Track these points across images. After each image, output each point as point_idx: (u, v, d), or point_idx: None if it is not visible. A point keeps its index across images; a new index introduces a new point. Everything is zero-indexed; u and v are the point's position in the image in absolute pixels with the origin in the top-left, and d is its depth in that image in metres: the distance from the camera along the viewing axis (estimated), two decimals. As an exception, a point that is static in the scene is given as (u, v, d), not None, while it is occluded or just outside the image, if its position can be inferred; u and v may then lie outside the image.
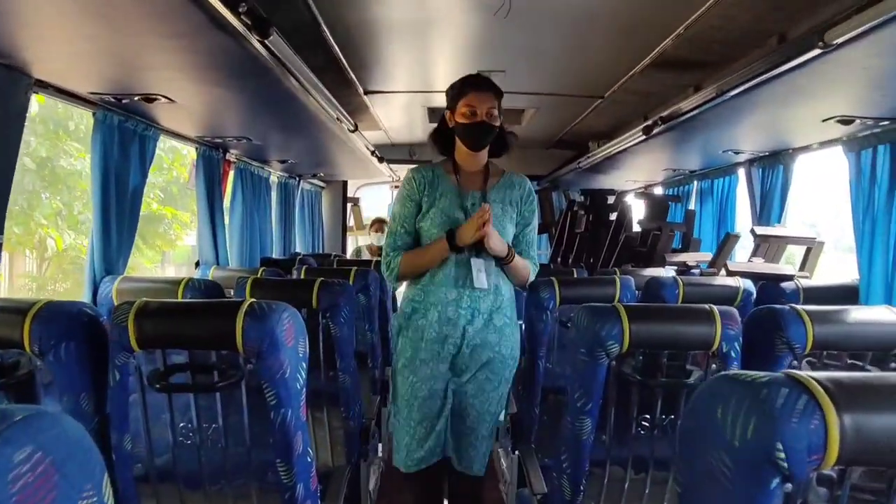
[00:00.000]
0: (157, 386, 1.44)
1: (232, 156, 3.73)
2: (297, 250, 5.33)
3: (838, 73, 2.01)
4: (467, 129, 1.97)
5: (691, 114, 2.71)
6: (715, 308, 1.60)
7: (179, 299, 2.29)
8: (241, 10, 1.53)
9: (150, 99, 2.25)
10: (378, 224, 5.71)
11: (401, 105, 4.26)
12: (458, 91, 2.00)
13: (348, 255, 6.35)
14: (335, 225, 6.62)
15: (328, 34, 2.63)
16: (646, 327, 1.59)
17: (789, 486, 0.77)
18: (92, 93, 2.22)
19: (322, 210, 6.36)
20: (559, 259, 5.48)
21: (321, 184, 6.21)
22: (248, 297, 1.74)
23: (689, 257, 3.70)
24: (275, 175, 4.74)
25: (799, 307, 1.65)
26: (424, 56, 3.17)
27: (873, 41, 1.66)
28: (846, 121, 2.47)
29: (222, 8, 1.47)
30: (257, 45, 1.83)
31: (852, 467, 0.81)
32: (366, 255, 5.69)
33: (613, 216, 4.72)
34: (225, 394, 1.52)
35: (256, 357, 1.43)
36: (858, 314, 1.68)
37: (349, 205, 6.88)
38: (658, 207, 4.18)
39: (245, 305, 1.43)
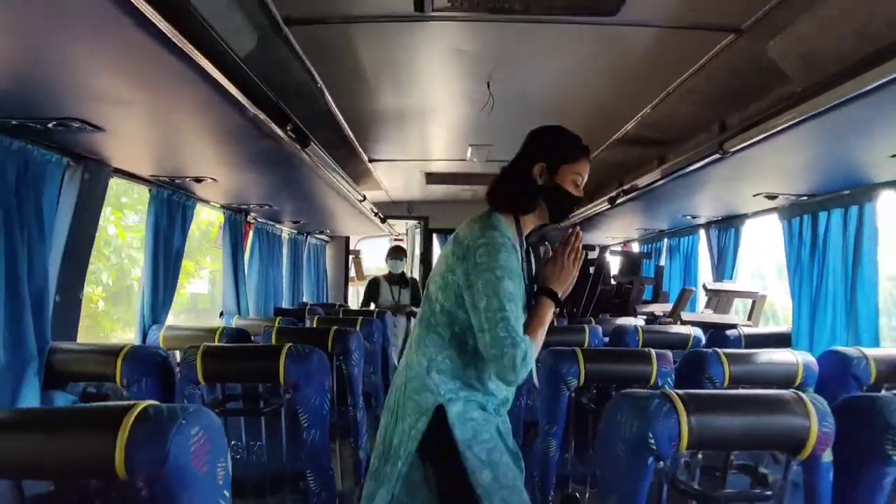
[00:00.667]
0: (217, 411, 1.88)
1: (252, 218, 4.21)
2: (305, 300, 5.77)
3: (748, 166, 2.52)
4: (572, 199, 1.73)
5: (648, 188, 3.21)
6: (653, 351, 2.05)
7: (216, 343, 2.69)
8: (288, 127, 2.03)
9: (199, 180, 2.74)
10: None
11: (400, 170, 4.76)
12: (570, 154, 1.73)
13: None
14: (338, 276, 7.09)
15: (340, 119, 3.11)
16: (598, 366, 2.04)
17: (661, 463, 1.22)
18: (153, 175, 2.71)
19: (326, 262, 6.83)
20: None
21: (326, 238, 6.70)
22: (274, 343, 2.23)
23: (656, 308, 4.17)
24: (286, 232, 5.22)
25: (720, 350, 2.09)
26: (422, 133, 3.66)
27: (767, 149, 2.16)
28: (772, 196, 2.98)
29: (275, 126, 1.97)
30: (297, 150, 2.35)
31: (699, 451, 1.27)
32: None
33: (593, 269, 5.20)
34: (268, 418, 1.96)
35: (294, 389, 1.88)
36: (766, 356, 2.14)
37: (351, 257, 7.35)
38: (631, 264, 4.67)
39: (285, 349, 1.88)
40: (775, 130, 2.02)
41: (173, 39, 1.27)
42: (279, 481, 2.00)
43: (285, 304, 5.09)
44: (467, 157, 4.04)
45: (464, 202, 6.02)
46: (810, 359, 2.13)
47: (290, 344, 1.91)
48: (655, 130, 3.20)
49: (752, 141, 2.10)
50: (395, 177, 5.05)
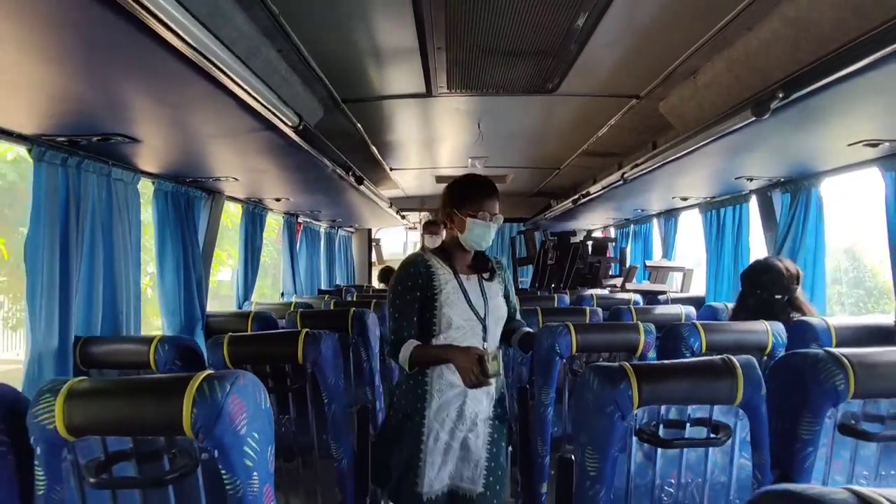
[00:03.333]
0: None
1: (301, 220, 5.40)
2: (338, 282, 6.96)
3: (648, 182, 3.63)
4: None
5: (600, 192, 4.34)
6: (641, 324, 2.38)
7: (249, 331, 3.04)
8: (351, 174, 3.18)
9: (277, 199, 3.92)
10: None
11: (414, 174, 5.90)
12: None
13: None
14: (363, 261, 8.29)
15: (367, 139, 4.11)
16: (586, 337, 2.33)
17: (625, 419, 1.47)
18: (248, 198, 3.89)
19: (353, 250, 8.03)
20: (537, 283, 7.09)
21: (352, 230, 7.89)
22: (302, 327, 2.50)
23: (616, 281, 5.31)
24: (323, 228, 6.40)
25: (697, 322, 2.38)
26: (433, 149, 4.76)
27: (658, 173, 3.27)
28: (685, 198, 4.11)
29: (340, 170, 3.11)
30: (355, 186, 3.47)
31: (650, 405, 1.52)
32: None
33: (574, 251, 6.35)
34: (294, 393, 2.18)
35: (313, 364, 2.15)
36: (739, 326, 2.39)
37: (372, 245, 8.57)
38: (599, 246, 5.80)
39: (302, 335, 2.15)
40: (663, 162, 3.13)
41: (289, 134, 2.34)
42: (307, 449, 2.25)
43: (324, 286, 6.28)
44: (468, 164, 5.17)
45: (468, 196, 7.23)
46: (780, 328, 2.30)
47: (306, 329, 2.19)
48: (608, 147, 4.32)
49: (651, 165, 3.20)
50: (409, 178, 6.16)
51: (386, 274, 6.77)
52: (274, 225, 5.67)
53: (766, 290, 2.62)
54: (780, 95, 1.84)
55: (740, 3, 1.93)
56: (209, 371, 1.27)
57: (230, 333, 2.19)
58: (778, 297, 2.61)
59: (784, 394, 1.59)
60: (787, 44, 2.01)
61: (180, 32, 1.36)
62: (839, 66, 1.68)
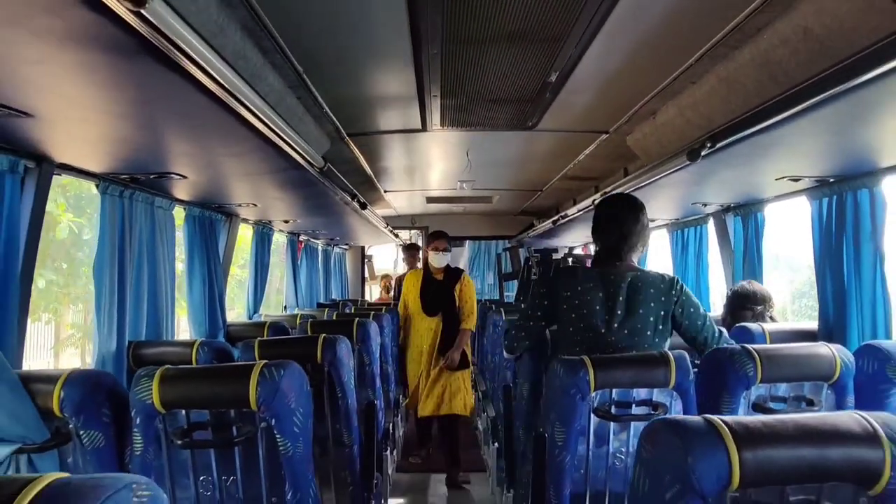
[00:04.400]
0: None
1: (302, 238, 5.81)
2: (333, 296, 7.36)
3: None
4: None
5: (577, 214, 4.79)
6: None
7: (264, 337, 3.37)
8: (356, 200, 3.61)
9: (286, 221, 4.33)
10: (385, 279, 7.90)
11: (406, 195, 6.33)
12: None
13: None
14: (356, 277, 8.69)
15: (366, 166, 4.56)
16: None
17: None
18: (259, 221, 4.30)
19: (347, 266, 8.44)
20: (521, 297, 7.52)
21: (347, 247, 8.30)
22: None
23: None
24: (320, 245, 6.80)
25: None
26: (424, 174, 5.20)
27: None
28: (652, 220, 4.58)
29: (347, 197, 3.53)
30: (359, 212, 3.91)
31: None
32: None
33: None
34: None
35: (330, 364, 2.49)
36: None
37: (366, 261, 8.98)
38: (579, 262, 6.24)
39: (321, 339, 2.52)
40: (630, 189, 3.57)
41: (299, 161, 2.76)
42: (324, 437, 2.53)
43: (321, 300, 6.68)
44: (457, 187, 5.61)
45: (456, 214, 7.70)
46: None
47: (324, 335, 2.55)
48: (585, 172, 4.78)
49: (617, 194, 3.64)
50: (402, 200, 6.61)
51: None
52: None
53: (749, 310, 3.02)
54: (709, 145, 2.28)
55: (688, 60, 2.36)
56: (266, 361, 1.68)
57: (259, 339, 2.57)
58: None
59: (709, 380, 2.00)
60: (720, 98, 2.46)
61: (228, 87, 1.69)
62: (757, 121, 2.12)
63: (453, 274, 4.48)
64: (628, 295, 2.25)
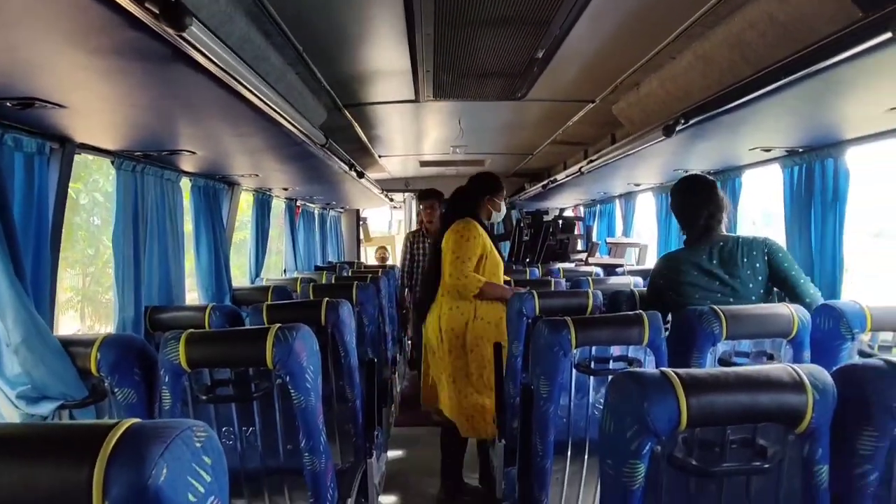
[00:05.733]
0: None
1: (299, 203, 5.96)
2: (330, 259, 7.54)
3: (609, 172, 4.25)
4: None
5: (566, 179, 4.96)
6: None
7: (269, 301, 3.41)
8: (353, 170, 3.75)
9: (285, 188, 4.48)
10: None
11: (400, 160, 6.47)
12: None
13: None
14: (351, 239, 8.88)
15: (361, 135, 4.67)
16: (546, 301, 2.88)
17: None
18: (259, 189, 4.44)
19: (343, 229, 8.61)
20: (513, 258, 7.74)
21: (342, 210, 8.45)
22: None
23: (582, 256, 5.97)
24: (316, 209, 6.95)
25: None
26: (417, 141, 5.34)
27: (611, 167, 3.89)
28: (637, 184, 4.75)
29: (345, 167, 3.69)
30: (357, 179, 4.07)
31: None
32: None
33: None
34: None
35: (333, 326, 2.66)
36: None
37: (361, 223, 9.14)
38: (568, 224, 6.43)
39: (324, 302, 2.68)
40: (615, 158, 3.74)
41: (301, 137, 2.94)
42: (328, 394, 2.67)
43: (318, 263, 6.86)
44: (450, 151, 5.75)
45: (448, 177, 7.82)
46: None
47: (328, 298, 2.74)
48: (574, 137, 4.93)
49: (602, 161, 3.82)
50: (395, 164, 6.75)
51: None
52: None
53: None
54: (682, 122, 2.45)
55: (667, 38, 2.50)
56: (279, 324, 1.87)
57: (267, 303, 2.75)
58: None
59: (679, 337, 2.19)
60: (698, 73, 2.62)
61: (235, 76, 1.82)
62: (728, 100, 2.28)
63: None
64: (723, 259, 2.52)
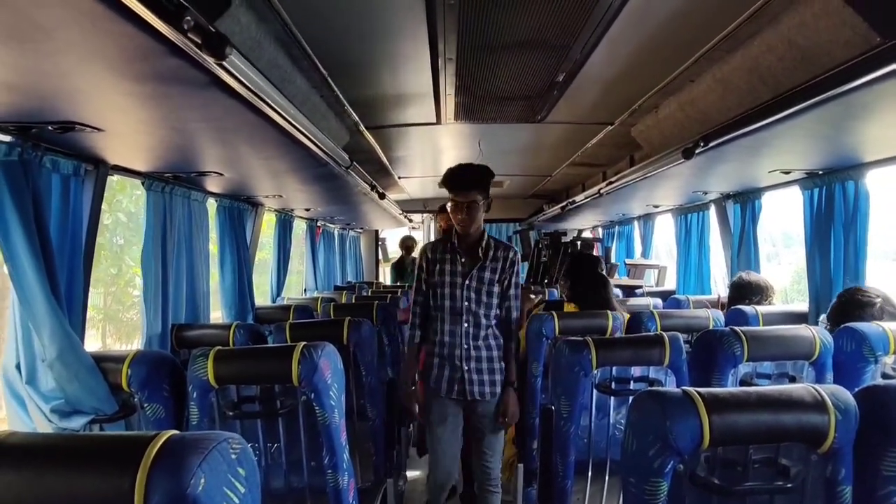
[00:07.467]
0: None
1: (319, 223, 6.04)
2: (349, 279, 7.60)
3: (627, 194, 4.27)
4: None
5: (584, 200, 4.98)
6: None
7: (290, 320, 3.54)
8: (375, 191, 3.82)
9: (307, 209, 4.55)
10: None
11: (419, 181, 6.55)
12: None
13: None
14: (370, 259, 8.95)
15: (382, 156, 4.73)
16: (566, 322, 2.84)
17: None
18: (281, 209, 4.52)
19: (362, 249, 8.68)
20: (532, 279, 7.75)
21: (361, 231, 8.53)
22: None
23: (602, 277, 5.98)
24: (336, 229, 7.03)
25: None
26: (437, 162, 5.39)
27: (630, 189, 3.92)
28: (657, 206, 4.77)
29: (367, 188, 3.75)
30: (378, 201, 4.13)
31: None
32: None
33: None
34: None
35: (355, 345, 2.70)
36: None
37: (380, 244, 9.22)
38: (587, 245, 6.44)
39: (346, 321, 2.72)
40: (634, 180, 3.76)
41: (325, 159, 2.99)
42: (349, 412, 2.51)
43: (338, 283, 6.92)
44: (469, 174, 5.80)
45: (467, 199, 7.91)
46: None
47: (349, 317, 2.75)
48: (592, 159, 4.97)
49: (622, 183, 3.84)
50: (414, 185, 6.83)
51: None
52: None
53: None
54: (702, 144, 2.47)
55: (686, 62, 2.54)
56: (305, 343, 1.90)
57: (290, 321, 2.79)
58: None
59: (700, 358, 2.17)
60: (716, 97, 2.65)
61: (262, 96, 1.83)
62: (746, 123, 2.30)
63: None
64: None
